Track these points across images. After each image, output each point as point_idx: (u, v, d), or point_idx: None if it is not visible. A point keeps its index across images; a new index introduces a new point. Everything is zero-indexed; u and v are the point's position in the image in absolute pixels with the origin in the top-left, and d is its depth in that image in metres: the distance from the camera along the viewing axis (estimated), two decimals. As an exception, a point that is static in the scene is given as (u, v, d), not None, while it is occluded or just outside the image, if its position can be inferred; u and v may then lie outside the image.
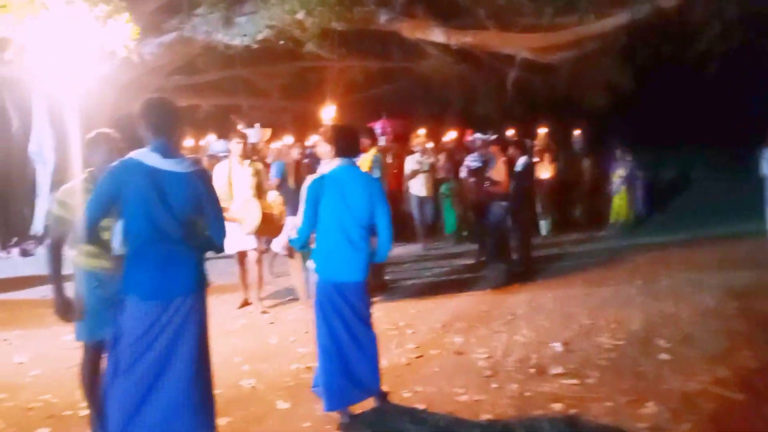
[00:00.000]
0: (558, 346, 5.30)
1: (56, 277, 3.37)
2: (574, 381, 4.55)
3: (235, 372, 4.82)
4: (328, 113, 11.84)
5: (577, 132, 13.35)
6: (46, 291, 3.66)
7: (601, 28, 9.93)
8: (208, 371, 3.29)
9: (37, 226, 10.41)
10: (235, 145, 6.71)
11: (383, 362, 4.71)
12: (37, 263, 8.82)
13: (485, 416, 3.97)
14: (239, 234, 6.14)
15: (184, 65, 12.48)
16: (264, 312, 6.60)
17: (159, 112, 3.24)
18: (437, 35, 10.90)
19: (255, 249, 6.73)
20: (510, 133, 12.80)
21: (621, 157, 11.97)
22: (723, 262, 8.36)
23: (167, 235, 3.13)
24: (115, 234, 3.20)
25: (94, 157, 3.57)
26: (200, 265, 3.28)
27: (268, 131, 13.41)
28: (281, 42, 9.62)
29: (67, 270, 3.44)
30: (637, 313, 6.17)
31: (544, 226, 11.40)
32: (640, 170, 12.41)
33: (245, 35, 9.56)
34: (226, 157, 9.18)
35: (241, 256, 6.83)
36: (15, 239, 10.39)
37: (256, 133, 12.09)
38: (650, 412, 3.93)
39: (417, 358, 5.13)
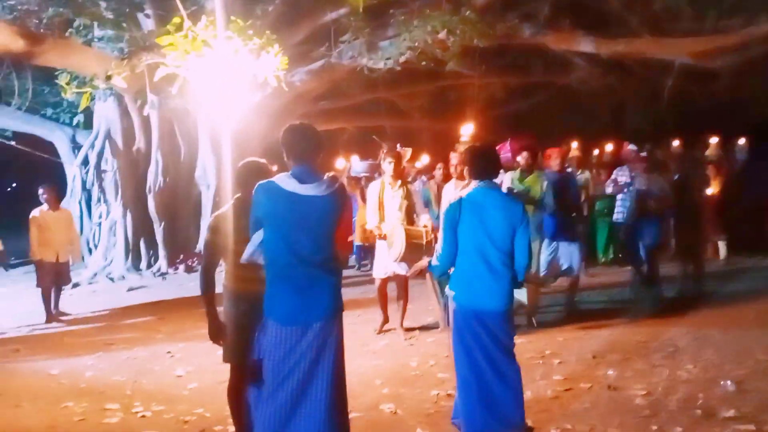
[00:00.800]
0: (729, 385, 4.71)
1: (209, 301, 3.54)
2: (750, 427, 4.02)
3: (376, 394, 4.80)
4: (466, 131, 11.68)
5: (741, 141, 11.97)
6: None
7: (773, 29, 8.92)
8: (344, 396, 3.30)
9: (201, 245, 11.29)
10: (388, 165, 6.35)
11: (527, 394, 4.46)
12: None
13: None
14: (386, 259, 5.99)
15: (329, 90, 12.97)
16: (406, 339, 6.35)
17: (299, 138, 3.29)
18: (585, 45, 10.42)
19: (400, 275, 6.32)
20: (675, 144, 11.85)
21: None
22: None
23: (306, 260, 3.16)
24: (253, 245, 3.26)
25: (244, 184, 3.67)
26: (338, 290, 3.29)
27: (409, 150, 13.38)
28: (423, 63, 9.68)
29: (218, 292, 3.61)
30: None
31: (722, 248, 10.10)
32: None
33: (388, 58, 9.75)
34: (368, 177, 9.31)
35: (383, 282, 6.53)
36: (181, 256, 11.32)
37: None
38: None
39: (565, 391, 4.80)
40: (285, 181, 3.20)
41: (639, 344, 5.87)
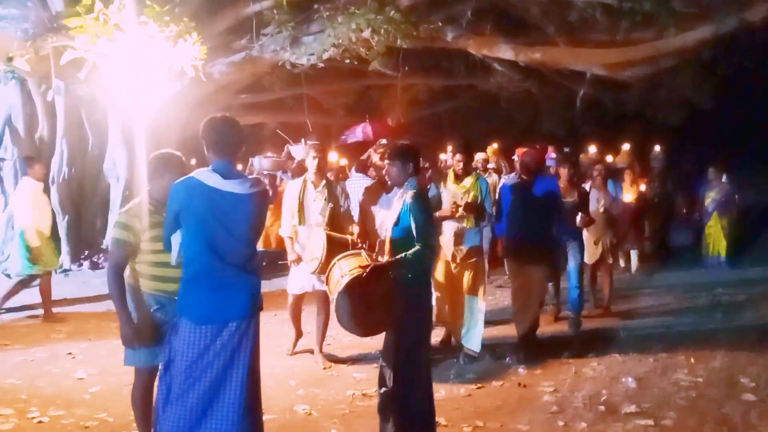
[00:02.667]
0: (630, 382, 4.96)
1: (121, 302, 3.33)
2: (649, 422, 4.24)
3: (290, 396, 4.72)
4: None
5: (657, 148, 11.78)
6: (108, 304, 3.67)
7: (683, 43, 9.42)
8: (259, 397, 3.23)
9: (108, 240, 10.75)
10: (312, 161, 5.43)
11: (441, 393, 4.52)
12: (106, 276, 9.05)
13: None
14: (303, 271, 5.24)
15: (252, 84, 12.69)
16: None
17: (222, 131, 3.16)
18: (505, 52, 10.66)
19: (320, 291, 5.32)
20: (593, 150, 11.65)
21: (714, 177, 10.09)
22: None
23: (226, 259, 3.07)
24: (174, 246, 3.17)
25: (157, 177, 3.49)
26: (257, 290, 3.20)
27: (309, 144, 12.68)
28: (347, 60, 9.62)
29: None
30: (719, 349, 5.75)
31: (633, 258, 9.75)
32: (737, 194, 10.25)
33: (312, 54, 9.60)
34: (272, 176, 8.75)
35: (297, 299, 5.62)
36: (86, 252, 10.74)
37: (302, 149, 10.79)
38: None
39: (478, 389, 4.90)
40: (207, 176, 3.07)
41: (548, 343, 6.05)
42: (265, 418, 4.30)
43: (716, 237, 9.98)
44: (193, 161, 9.57)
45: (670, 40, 9.24)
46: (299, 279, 5.43)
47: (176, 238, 3.16)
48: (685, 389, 4.85)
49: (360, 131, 12.20)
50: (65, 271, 10.37)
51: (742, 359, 5.51)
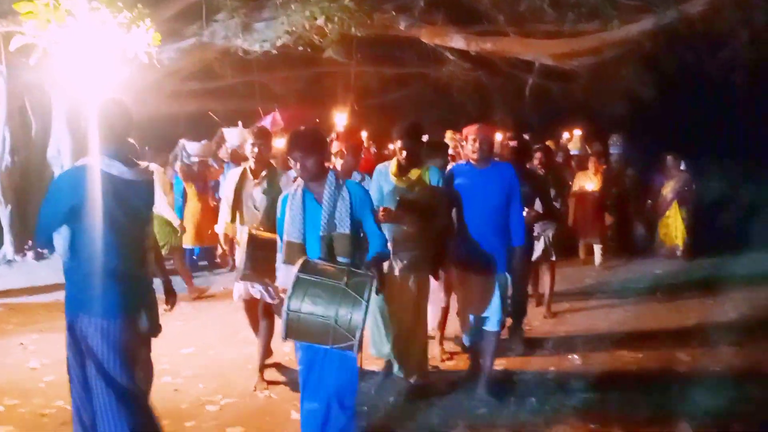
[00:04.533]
0: (576, 359, 5.24)
1: None
2: (592, 395, 4.50)
3: (249, 381, 4.77)
4: (340, 120, 11.63)
5: (615, 135, 11.25)
6: (60, 295, 3.65)
7: (626, 34, 9.77)
8: (144, 390, 3.21)
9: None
10: (251, 149, 4.64)
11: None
12: (51, 266, 8.85)
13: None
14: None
15: (202, 70, 12.51)
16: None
17: (120, 114, 3.04)
18: (456, 41, 10.85)
19: (257, 301, 4.66)
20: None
21: (672, 165, 9.65)
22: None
23: (126, 250, 3.02)
24: (62, 239, 3.02)
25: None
26: (149, 279, 3.21)
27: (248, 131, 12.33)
28: (300, 48, 9.61)
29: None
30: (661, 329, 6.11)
31: (597, 251, 9.05)
32: (695, 183, 9.75)
33: (264, 41, 9.56)
34: (202, 163, 8.28)
35: (248, 304, 4.80)
36: (30, 242, 10.45)
37: (236, 135, 9.93)
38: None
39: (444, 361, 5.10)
40: (108, 164, 2.95)
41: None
42: (225, 401, 4.43)
43: (674, 227, 9.55)
44: (147, 148, 9.36)
45: (614, 32, 9.59)
46: (238, 283, 4.66)
47: (65, 231, 3.00)
48: (627, 365, 5.15)
49: (269, 120, 11.94)
50: (9, 261, 10.09)
51: (681, 337, 5.85)
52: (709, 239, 9.68)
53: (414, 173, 4.47)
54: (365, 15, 8.72)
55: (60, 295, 3.58)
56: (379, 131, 14.44)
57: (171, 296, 3.69)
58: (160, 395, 4.28)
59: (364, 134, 12.83)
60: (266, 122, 11.67)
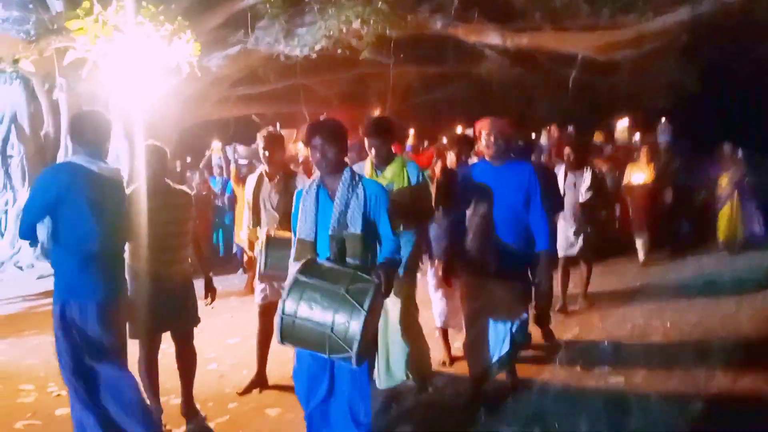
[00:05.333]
0: (606, 345, 5.32)
1: None
2: (620, 378, 4.58)
3: (288, 367, 5.00)
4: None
5: (663, 120, 10.81)
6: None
7: (662, 25, 9.69)
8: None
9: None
10: (263, 153, 4.62)
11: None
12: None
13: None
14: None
15: (247, 76, 12.97)
16: None
17: (94, 124, 3.42)
18: (492, 38, 10.93)
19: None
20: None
21: (729, 155, 9.02)
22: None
23: (106, 241, 3.34)
24: (45, 228, 3.30)
25: (144, 168, 3.82)
26: (120, 270, 3.50)
27: (293, 132, 12.37)
28: (339, 51, 9.90)
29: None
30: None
31: (641, 247, 8.60)
32: (755, 175, 9.03)
33: (305, 45, 9.89)
34: (250, 167, 8.45)
35: (265, 309, 4.63)
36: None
37: None
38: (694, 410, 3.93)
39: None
40: (88, 160, 3.31)
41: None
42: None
43: (735, 220, 8.96)
44: (189, 159, 9.80)
45: (650, 23, 9.51)
46: (260, 286, 4.63)
47: (48, 222, 3.26)
48: (658, 353, 5.18)
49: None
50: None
51: (715, 325, 5.81)
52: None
53: (389, 172, 4.21)
54: (399, 17, 8.93)
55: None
56: (424, 129, 14.63)
57: (210, 291, 4.03)
58: (206, 380, 4.68)
59: (411, 132, 13.09)
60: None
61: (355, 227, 3.08)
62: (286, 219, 4.04)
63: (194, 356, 4.06)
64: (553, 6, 10.38)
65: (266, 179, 4.65)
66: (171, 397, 4.26)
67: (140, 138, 6.32)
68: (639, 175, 8.51)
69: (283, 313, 2.82)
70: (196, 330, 4.10)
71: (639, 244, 8.62)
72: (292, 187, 4.40)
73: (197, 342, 4.12)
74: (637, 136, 13.13)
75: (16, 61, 7.52)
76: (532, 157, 8.68)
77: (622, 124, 12.94)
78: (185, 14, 7.30)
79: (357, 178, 3.19)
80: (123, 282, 3.55)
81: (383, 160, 4.21)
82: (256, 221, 4.64)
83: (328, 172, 3.18)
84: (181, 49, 5.66)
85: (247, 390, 4.68)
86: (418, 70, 15.50)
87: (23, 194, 11.52)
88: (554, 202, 5.23)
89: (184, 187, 4.09)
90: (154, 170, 3.75)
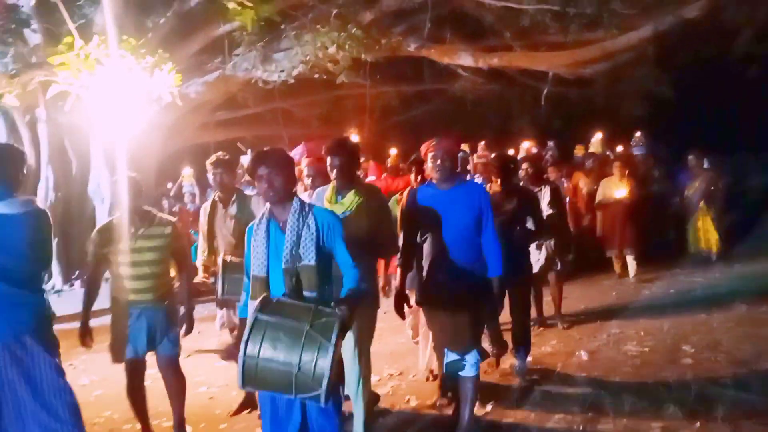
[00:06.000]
0: (584, 355, 5.50)
1: (85, 309, 3.92)
2: (593, 390, 4.71)
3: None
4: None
5: (637, 134, 10.94)
6: (105, 320, 4.14)
7: (627, 42, 10.06)
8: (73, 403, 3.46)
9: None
10: (213, 178, 4.62)
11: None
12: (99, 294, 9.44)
13: (508, 420, 4.25)
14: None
15: (226, 101, 13.13)
16: None
17: (8, 157, 3.36)
18: (465, 59, 11.24)
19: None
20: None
21: (695, 164, 9.09)
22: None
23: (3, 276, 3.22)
24: None
25: (125, 198, 3.95)
26: (40, 307, 3.39)
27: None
28: (316, 75, 10.12)
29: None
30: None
31: (631, 263, 8.48)
32: (723, 181, 9.14)
33: (282, 71, 10.11)
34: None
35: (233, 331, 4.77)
36: (77, 272, 11.12)
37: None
38: (666, 414, 4.11)
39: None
40: None
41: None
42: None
43: (705, 230, 8.94)
44: (169, 185, 9.88)
45: (615, 40, 9.87)
46: (218, 313, 4.89)
47: None
48: (632, 358, 5.38)
49: (299, 150, 12.16)
50: (57, 291, 10.76)
51: (686, 330, 6.05)
52: (745, 240, 9.21)
53: (349, 197, 3.86)
54: (373, 41, 9.17)
55: (105, 320, 4.08)
56: (408, 148, 14.78)
57: (186, 322, 4.14)
58: (197, 403, 4.78)
59: (393, 151, 13.20)
60: (296, 153, 12.10)
61: (309, 259, 2.92)
62: (242, 243, 3.56)
63: (183, 381, 4.16)
64: (522, 25, 10.69)
65: (220, 205, 4.64)
66: (162, 420, 4.37)
67: (122, 168, 6.44)
68: (614, 190, 8.41)
69: (245, 354, 2.64)
70: (184, 353, 4.21)
71: (628, 260, 8.50)
72: (247, 209, 4.42)
73: (187, 365, 4.23)
74: (614, 149, 13.32)
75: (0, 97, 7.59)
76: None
77: (596, 138, 13.21)
78: (163, 42, 7.48)
79: (307, 208, 3.01)
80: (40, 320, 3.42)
81: (345, 183, 3.87)
82: (210, 249, 4.64)
83: (276, 201, 3.01)
84: (163, 80, 5.82)
85: (238, 411, 4.71)
86: (395, 89, 15.80)
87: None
88: (537, 225, 5.07)
89: (169, 217, 4.21)
90: (130, 200, 3.88)
